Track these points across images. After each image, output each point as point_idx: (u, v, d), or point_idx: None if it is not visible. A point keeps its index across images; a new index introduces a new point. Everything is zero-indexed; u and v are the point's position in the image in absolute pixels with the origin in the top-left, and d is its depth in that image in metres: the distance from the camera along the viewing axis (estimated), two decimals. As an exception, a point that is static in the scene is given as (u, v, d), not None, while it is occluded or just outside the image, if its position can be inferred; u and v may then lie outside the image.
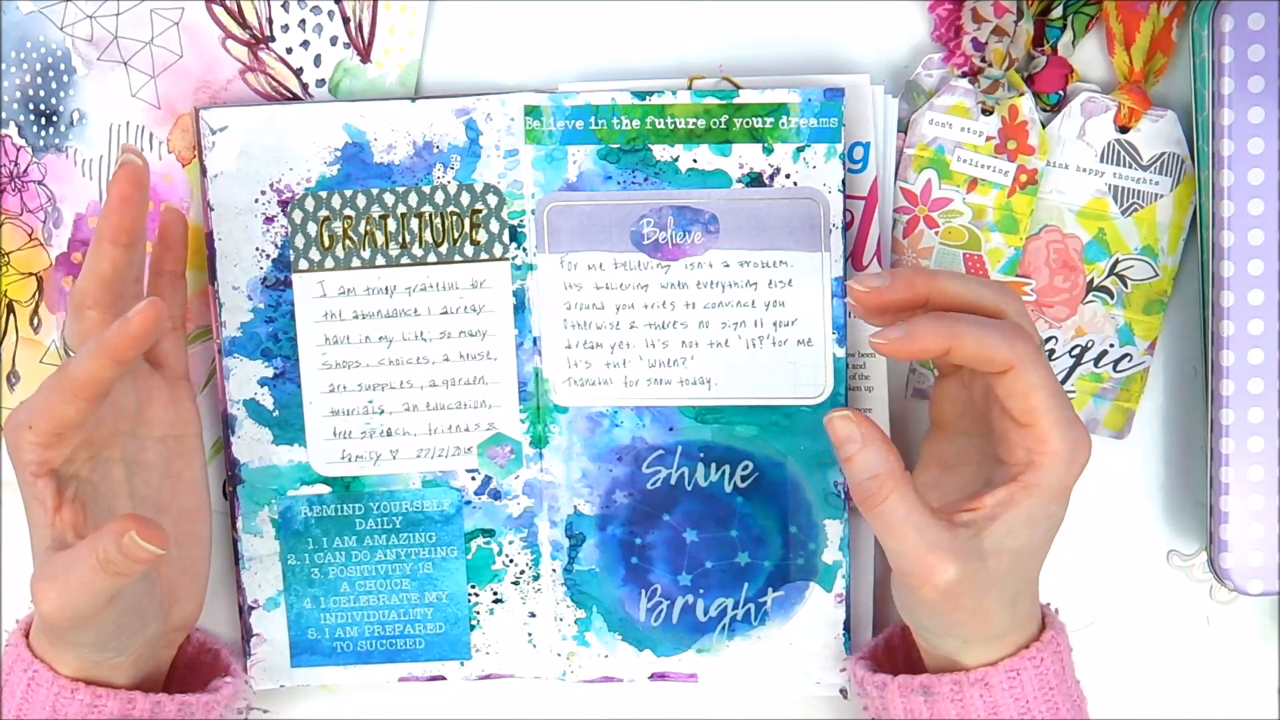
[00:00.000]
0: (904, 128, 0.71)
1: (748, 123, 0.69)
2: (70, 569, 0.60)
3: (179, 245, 0.70)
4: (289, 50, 0.71)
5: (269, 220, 0.71)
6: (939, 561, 0.60)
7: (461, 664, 0.73)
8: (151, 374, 0.69)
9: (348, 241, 0.71)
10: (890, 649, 0.71)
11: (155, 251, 0.70)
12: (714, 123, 0.69)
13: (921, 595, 0.61)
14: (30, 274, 0.73)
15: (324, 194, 0.70)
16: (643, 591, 0.72)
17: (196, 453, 0.70)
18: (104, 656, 0.64)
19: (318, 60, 0.71)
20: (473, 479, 0.72)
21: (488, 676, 0.74)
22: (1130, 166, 0.71)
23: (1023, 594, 0.64)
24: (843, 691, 0.73)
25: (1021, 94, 0.70)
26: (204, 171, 0.70)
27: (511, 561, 0.73)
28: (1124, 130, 0.71)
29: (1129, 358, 0.72)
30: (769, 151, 0.69)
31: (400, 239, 0.71)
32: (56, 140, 0.71)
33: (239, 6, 0.71)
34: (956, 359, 0.61)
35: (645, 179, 0.70)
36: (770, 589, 0.72)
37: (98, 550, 0.59)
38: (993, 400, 0.63)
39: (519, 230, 0.71)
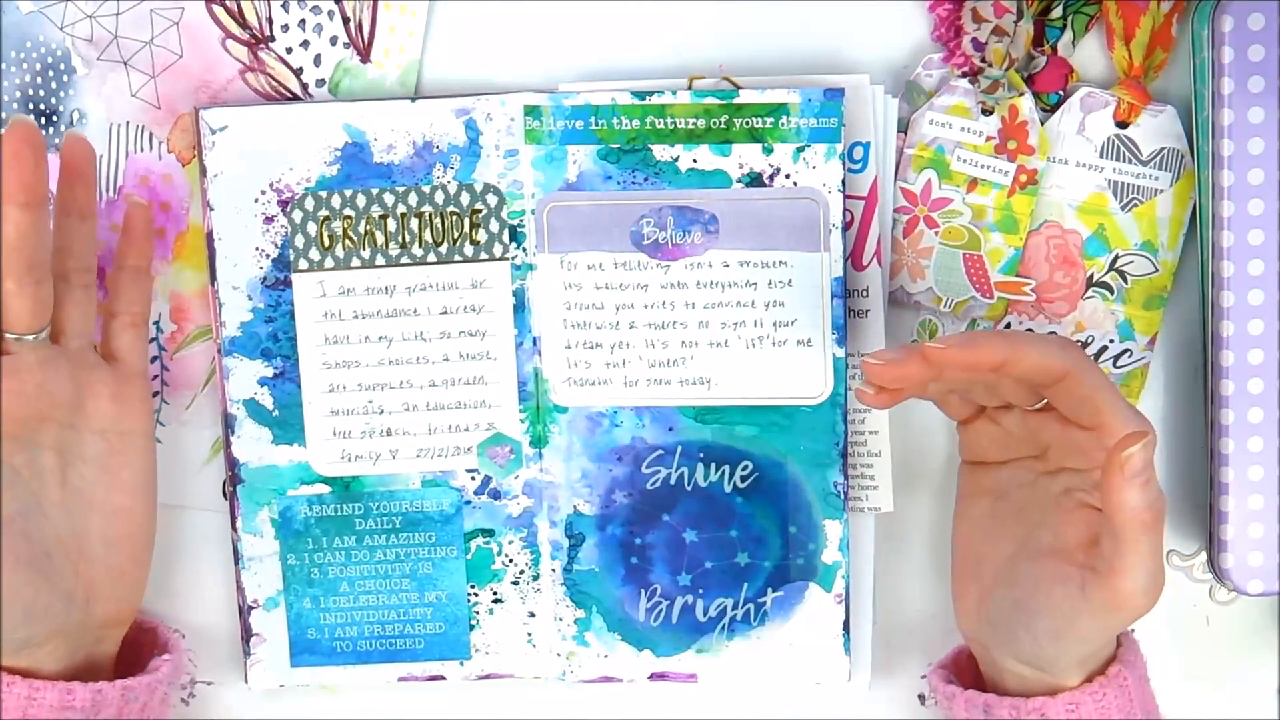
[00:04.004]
0: (904, 128, 0.71)
1: (748, 123, 0.69)
2: None
3: (143, 239, 0.70)
4: (289, 50, 0.71)
5: (269, 220, 0.71)
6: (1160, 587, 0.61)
7: (461, 664, 0.73)
8: (98, 366, 0.67)
9: (347, 241, 0.71)
10: (969, 659, 0.71)
11: (119, 245, 0.70)
12: (714, 123, 0.69)
13: (1134, 612, 0.61)
14: (30, 274, 0.73)
15: (324, 194, 0.70)
16: (642, 591, 0.72)
17: (142, 452, 0.68)
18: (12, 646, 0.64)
19: (318, 60, 0.71)
20: (472, 479, 0.72)
21: (487, 676, 0.73)
22: (1130, 162, 0.71)
23: None
24: (921, 697, 0.75)
25: (1021, 94, 0.70)
26: (204, 171, 0.70)
27: (511, 561, 0.73)
28: (1123, 125, 0.71)
29: (1129, 353, 0.72)
30: (769, 151, 0.69)
31: (400, 239, 0.71)
32: (57, 140, 0.71)
33: (239, 6, 0.71)
34: (1014, 372, 0.61)
35: (645, 179, 0.70)
36: (770, 589, 0.72)
37: None
38: (1047, 420, 0.64)
39: (519, 230, 0.71)
